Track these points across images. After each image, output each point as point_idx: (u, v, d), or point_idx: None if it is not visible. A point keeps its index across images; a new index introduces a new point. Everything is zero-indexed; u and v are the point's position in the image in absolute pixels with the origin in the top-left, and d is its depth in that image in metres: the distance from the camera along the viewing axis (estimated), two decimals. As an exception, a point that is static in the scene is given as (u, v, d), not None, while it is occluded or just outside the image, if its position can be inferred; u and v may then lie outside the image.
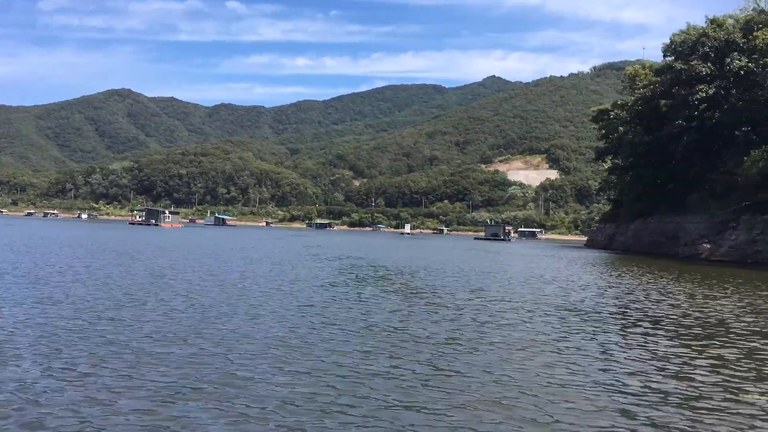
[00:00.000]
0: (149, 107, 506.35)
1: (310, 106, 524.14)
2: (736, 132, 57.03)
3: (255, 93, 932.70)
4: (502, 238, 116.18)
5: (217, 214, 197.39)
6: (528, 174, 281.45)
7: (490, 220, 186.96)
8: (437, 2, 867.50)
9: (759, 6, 60.79)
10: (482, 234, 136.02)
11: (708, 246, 54.02)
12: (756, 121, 55.03)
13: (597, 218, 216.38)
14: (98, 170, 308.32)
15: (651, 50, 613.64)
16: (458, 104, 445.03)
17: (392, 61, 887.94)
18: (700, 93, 57.29)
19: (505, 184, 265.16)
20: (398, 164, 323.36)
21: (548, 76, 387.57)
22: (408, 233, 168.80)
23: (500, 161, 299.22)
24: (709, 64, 58.03)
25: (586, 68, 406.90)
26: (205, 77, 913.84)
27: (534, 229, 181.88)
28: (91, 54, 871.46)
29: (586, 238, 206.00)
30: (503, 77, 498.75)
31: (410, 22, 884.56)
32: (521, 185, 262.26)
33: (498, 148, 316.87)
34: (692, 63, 58.49)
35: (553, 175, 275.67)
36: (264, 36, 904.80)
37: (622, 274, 32.50)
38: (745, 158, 50.13)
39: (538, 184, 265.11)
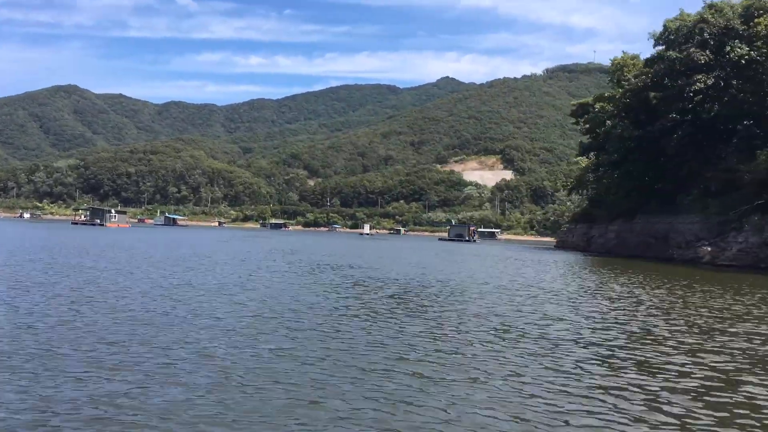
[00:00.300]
0: (96, 104, 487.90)
1: (263, 104, 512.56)
2: (738, 126, 52.12)
3: (207, 91, 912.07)
4: (467, 239, 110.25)
5: (167, 214, 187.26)
6: (483, 174, 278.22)
7: (453, 220, 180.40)
8: (392, 3, 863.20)
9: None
10: (445, 234, 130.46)
11: (709, 249, 48.89)
12: (758, 114, 50.24)
13: (552, 218, 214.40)
14: (42, 168, 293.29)
15: (601, 54, 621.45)
16: (412, 104, 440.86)
17: (347, 61, 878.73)
18: (697, 83, 52.15)
19: (461, 184, 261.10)
20: (353, 164, 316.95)
21: (501, 77, 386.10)
22: (367, 234, 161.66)
23: (455, 161, 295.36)
24: (707, 53, 53.03)
25: (538, 70, 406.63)
26: (155, 74, 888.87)
27: (493, 230, 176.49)
28: (38, 50, 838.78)
29: (544, 239, 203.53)
30: (457, 78, 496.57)
31: (365, 23, 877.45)
32: (477, 185, 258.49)
33: (453, 149, 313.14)
34: (689, 51, 53.32)
35: (508, 175, 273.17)
36: (216, 34, 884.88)
37: (661, 287, 26.57)
38: (758, 152, 45.06)
39: (493, 184, 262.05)
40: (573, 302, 19.62)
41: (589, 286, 25.62)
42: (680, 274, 34.95)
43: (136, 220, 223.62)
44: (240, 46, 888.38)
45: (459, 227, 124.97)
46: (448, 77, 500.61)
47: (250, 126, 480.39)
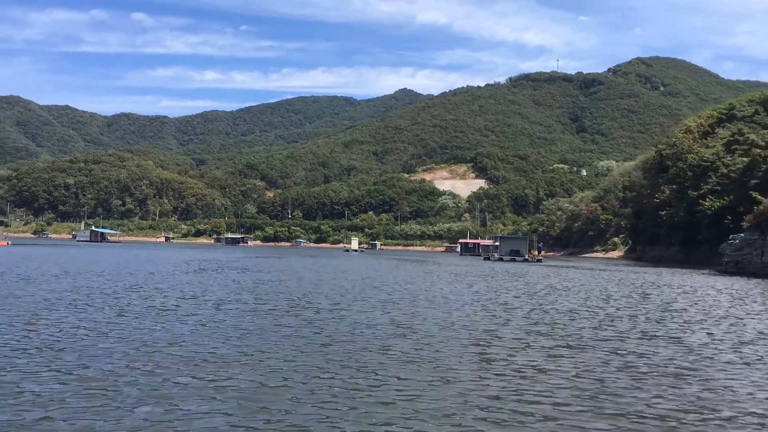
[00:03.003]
0: (41, 116, 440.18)
1: (217, 116, 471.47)
2: None
3: (160, 106, 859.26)
4: (526, 258, 72.01)
5: (94, 227, 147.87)
6: (454, 183, 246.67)
7: (506, 231, 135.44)
8: (347, 20, 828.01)
9: None
10: (483, 250, 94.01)
11: None
12: None
13: (541, 229, 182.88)
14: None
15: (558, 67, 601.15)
16: (370, 116, 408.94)
17: (302, 76, 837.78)
18: None
19: (435, 193, 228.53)
20: (314, 174, 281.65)
21: (465, 86, 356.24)
22: (355, 250, 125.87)
23: (424, 170, 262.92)
24: None
25: (501, 80, 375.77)
26: (106, 89, 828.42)
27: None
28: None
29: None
30: (415, 90, 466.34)
31: (321, 39, 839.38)
32: (453, 195, 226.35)
33: (419, 157, 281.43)
34: None
35: (481, 184, 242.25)
36: (171, 49, 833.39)
37: None
38: None
39: (465, 193, 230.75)
40: None
41: None
42: None
43: (71, 236, 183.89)
44: (195, 61, 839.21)
45: (515, 240, 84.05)
46: (405, 89, 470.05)
47: (204, 138, 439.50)
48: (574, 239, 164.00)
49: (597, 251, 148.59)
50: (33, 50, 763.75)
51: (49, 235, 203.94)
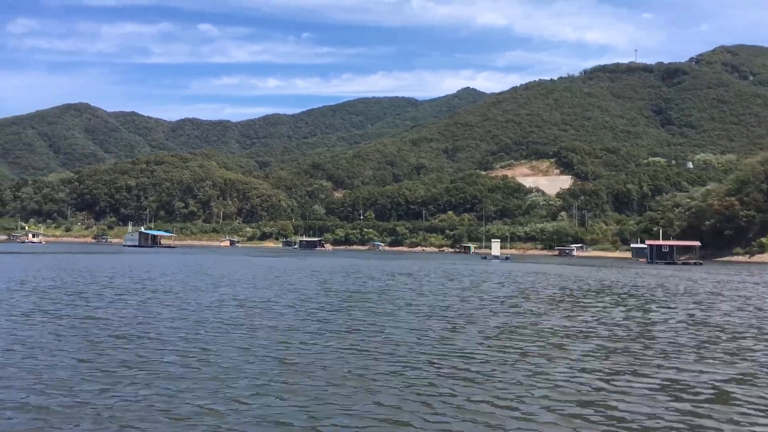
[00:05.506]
0: (108, 122, 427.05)
1: (279, 119, 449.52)
2: None
3: (224, 113, 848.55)
4: None
5: (143, 229, 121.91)
6: (537, 180, 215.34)
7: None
8: (406, 24, 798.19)
9: None
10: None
11: None
12: None
13: (655, 229, 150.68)
14: (30, 183, 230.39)
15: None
16: (433, 116, 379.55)
17: (362, 81, 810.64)
18: None
19: (521, 191, 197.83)
20: (382, 173, 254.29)
21: (537, 79, 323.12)
22: (498, 257, 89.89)
23: (502, 167, 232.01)
24: None
25: (575, 72, 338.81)
26: (171, 98, 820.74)
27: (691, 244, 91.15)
28: (58, 76, 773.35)
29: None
30: (478, 89, 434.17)
31: (379, 44, 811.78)
32: (542, 192, 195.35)
33: (495, 154, 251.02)
34: None
35: (567, 180, 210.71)
36: (234, 58, 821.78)
37: None
38: None
39: (549, 190, 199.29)
40: None
41: None
42: None
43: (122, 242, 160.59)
44: (258, 69, 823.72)
45: None
46: (468, 88, 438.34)
47: (266, 141, 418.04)
48: (705, 240, 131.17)
49: (738, 254, 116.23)
50: (104, 62, 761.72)
51: (109, 240, 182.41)
